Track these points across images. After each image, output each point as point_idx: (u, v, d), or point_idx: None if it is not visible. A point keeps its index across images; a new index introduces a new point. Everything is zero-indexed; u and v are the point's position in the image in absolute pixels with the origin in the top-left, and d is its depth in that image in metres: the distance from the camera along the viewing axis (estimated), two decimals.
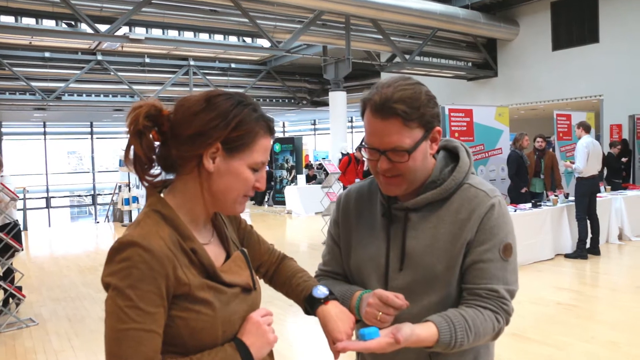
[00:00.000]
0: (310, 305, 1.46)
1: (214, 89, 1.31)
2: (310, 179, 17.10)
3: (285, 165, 18.48)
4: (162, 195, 1.29)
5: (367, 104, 1.43)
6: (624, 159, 12.19)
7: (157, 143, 1.28)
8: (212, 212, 1.33)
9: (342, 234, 1.67)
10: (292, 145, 18.69)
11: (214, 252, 1.33)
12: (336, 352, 1.37)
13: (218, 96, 1.26)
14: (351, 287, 1.59)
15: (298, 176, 16.93)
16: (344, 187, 10.69)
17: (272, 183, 18.49)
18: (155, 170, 1.29)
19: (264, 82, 22.16)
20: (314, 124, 32.95)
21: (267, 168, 13.18)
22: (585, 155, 8.07)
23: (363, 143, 1.47)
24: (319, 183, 14.72)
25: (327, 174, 11.57)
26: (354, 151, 12.03)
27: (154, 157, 1.27)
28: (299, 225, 13.80)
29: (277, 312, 4.54)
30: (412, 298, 1.44)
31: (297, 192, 15.38)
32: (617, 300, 6.16)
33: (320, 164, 19.02)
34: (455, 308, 1.44)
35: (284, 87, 22.70)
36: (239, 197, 1.28)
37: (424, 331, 1.34)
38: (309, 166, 19.98)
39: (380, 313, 1.39)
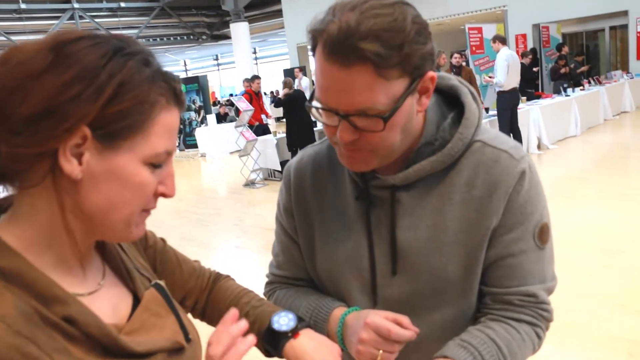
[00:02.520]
0: (273, 343, 1.03)
1: (66, 30, 0.77)
2: (221, 118, 16.40)
3: (193, 106, 17.20)
4: None
5: (319, 38, 0.89)
6: (535, 69, 12.31)
7: None
8: (91, 241, 0.83)
9: (300, 226, 1.19)
10: (198, 84, 17.71)
11: (111, 301, 0.84)
12: None
13: (76, 41, 0.72)
14: (324, 301, 1.14)
15: (207, 116, 16.01)
16: (250, 127, 10.20)
17: (182, 126, 17.47)
18: None
19: (158, 20, 20.89)
20: (217, 59, 31.96)
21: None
22: (505, 68, 7.96)
23: (313, 100, 0.95)
24: (231, 121, 14.14)
25: (237, 110, 11.04)
26: (250, 85, 11.47)
27: None
28: (216, 167, 13.19)
29: None
30: (415, 314, 1.04)
31: (209, 133, 14.69)
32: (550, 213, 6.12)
33: (228, 100, 18.28)
34: (480, 326, 1.04)
35: (180, 23, 21.53)
36: (133, 216, 0.78)
37: None
38: (216, 103, 19.25)
39: (381, 352, 0.99)
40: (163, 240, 1.09)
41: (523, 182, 1.00)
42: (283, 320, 1.02)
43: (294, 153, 9.53)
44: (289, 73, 18.33)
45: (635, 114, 12.82)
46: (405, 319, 0.99)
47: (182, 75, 25.14)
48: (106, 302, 0.82)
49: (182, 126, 17.48)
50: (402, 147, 1.00)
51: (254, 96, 11.21)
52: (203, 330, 1.02)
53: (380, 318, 0.99)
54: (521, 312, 1.03)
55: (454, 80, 1.08)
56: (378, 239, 1.07)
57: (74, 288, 0.77)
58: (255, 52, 26.61)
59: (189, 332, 0.90)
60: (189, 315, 1.07)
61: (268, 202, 8.50)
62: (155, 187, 0.78)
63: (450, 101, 1.08)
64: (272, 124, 12.74)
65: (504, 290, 1.03)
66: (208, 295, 1.13)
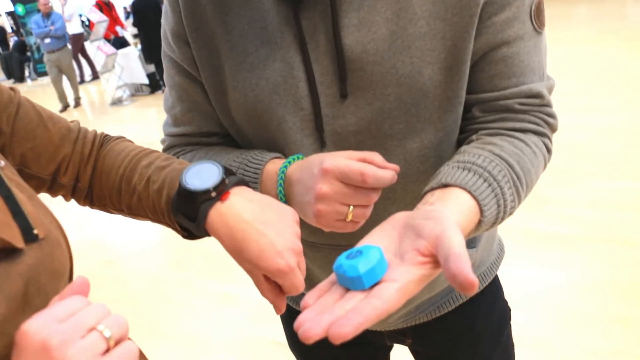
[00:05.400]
0: (188, 212, 0.64)
1: None
2: None
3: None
4: None
5: None
6: None
7: None
8: None
9: (201, 56, 0.81)
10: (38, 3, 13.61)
11: None
12: (281, 308, 0.68)
13: None
14: (250, 155, 0.80)
15: None
16: (108, 41, 9.44)
17: (29, 53, 15.28)
18: None
19: None
20: None
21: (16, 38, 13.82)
22: None
23: None
24: (85, 40, 11.70)
25: (89, 24, 9.92)
26: None
27: None
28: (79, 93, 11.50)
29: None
30: (382, 147, 0.77)
31: None
32: None
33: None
34: (476, 144, 0.73)
35: None
36: None
37: (462, 216, 0.61)
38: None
39: (352, 208, 0.69)
40: (13, 89, 0.70)
41: None
42: (201, 174, 0.63)
43: (157, 66, 8.63)
44: None
45: None
46: (376, 156, 0.70)
47: None
48: None
49: (29, 53, 15.30)
50: None
51: (104, 6, 10.09)
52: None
53: (344, 159, 0.68)
54: (524, 119, 0.75)
55: None
56: (316, 52, 0.74)
57: None
58: None
59: (35, 225, 0.53)
60: (73, 202, 0.75)
61: (139, 117, 8.05)
62: None
63: None
64: (129, 38, 11.18)
65: (500, 94, 0.74)
66: (94, 166, 0.75)
